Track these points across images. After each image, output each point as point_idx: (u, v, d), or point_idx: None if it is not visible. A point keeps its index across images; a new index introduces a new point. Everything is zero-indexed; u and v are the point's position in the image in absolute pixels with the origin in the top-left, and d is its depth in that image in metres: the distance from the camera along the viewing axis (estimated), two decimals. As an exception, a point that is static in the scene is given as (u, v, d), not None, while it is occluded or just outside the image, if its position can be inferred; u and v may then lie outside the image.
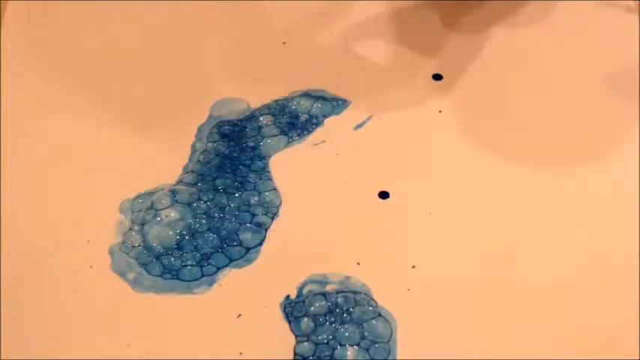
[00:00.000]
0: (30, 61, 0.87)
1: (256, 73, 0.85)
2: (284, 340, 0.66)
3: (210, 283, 0.70)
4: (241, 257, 0.71)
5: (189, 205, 0.73)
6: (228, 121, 0.81)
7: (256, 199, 0.75)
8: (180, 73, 0.85)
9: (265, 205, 0.74)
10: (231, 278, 0.70)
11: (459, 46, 0.87)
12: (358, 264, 0.71)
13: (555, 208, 0.74)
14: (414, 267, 0.71)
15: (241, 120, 0.81)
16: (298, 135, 0.80)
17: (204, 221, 0.73)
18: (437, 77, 0.84)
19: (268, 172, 0.77)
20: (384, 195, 0.75)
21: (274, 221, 0.73)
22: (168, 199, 0.74)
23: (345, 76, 0.85)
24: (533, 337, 0.66)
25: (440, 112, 0.81)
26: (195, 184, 0.75)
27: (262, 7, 0.91)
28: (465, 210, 0.74)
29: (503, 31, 0.89)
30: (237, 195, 0.75)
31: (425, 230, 0.73)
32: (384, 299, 0.68)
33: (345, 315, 0.67)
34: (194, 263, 0.71)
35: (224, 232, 0.72)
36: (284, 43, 0.88)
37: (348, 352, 0.65)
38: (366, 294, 0.68)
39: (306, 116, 0.81)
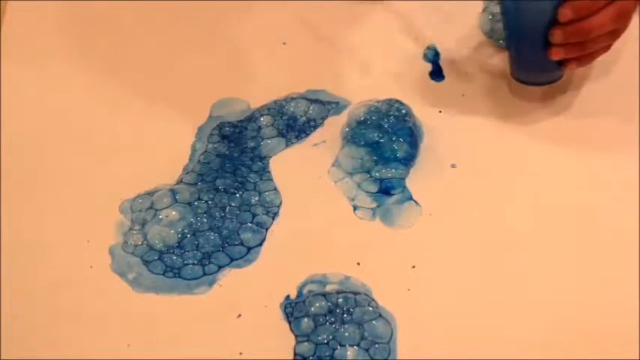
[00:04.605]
0: (30, 61, 0.87)
1: (256, 73, 0.85)
2: (284, 340, 0.66)
3: (211, 283, 0.70)
4: (242, 257, 0.71)
5: (189, 204, 0.73)
6: (229, 123, 0.81)
7: (257, 199, 0.75)
8: (181, 73, 0.85)
9: (266, 205, 0.74)
10: (231, 278, 0.70)
11: (460, 46, 0.87)
12: (358, 264, 0.71)
13: (555, 207, 0.74)
14: (414, 267, 0.71)
15: (241, 121, 0.81)
16: (296, 137, 0.80)
17: (205, 220, 0.73)
18: (437, 77, 0.84)
19: (269, 172, 0.77)
20: (384, 194, 0.75)
21: (274, 221, 0.73)
22: (169, 199, 0.74)
23: (345, 76, 0.85)
24: (533, 337, 0.66)
25: (440, 112, 0.81)
26: (196, 184, 0.75)
27: (262, 7, 0.91)
28: (465, 210, 0.74)
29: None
30: (237, 195, 0.75)
31: (425, 230, 0.73)
32: (384, 299, 0.68)
33: (345, 315, 0.67)
34: (195, 262, 0.71)
35: (225, 232, 0.72)
36: (284, 43, 0.88)
37: (348, 353, 0.65)
38: (366, 294, 0.68)
39: (304, 119, 0.81)
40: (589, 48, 0.73)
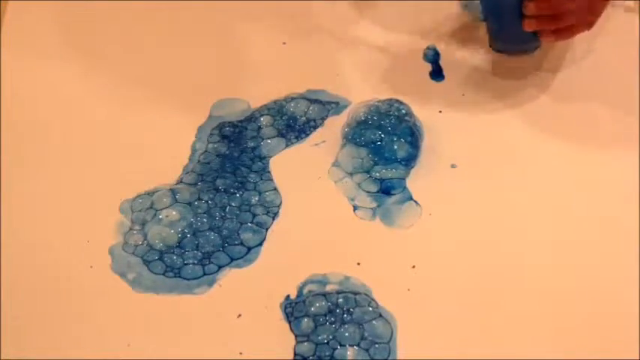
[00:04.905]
0: (30, 61, 0.87)
1: (256, 73, 0.85)
2: (284, 340, 0.66)
3: (211, 283, 0.70)
4: (242, 257, 0.71)
5: (189, 204, 0.73)
6: (229, 123, 0.81)
7: (257, 199, 0.75)
8: (181, 73, 0.85)
9: (266, 205, 0.74)
10: (231, 278, 0.70)
11: (459, 45, 0.87)
12: (358, 264, 0.71)
13: (556, 207, 0.74)
14: (414, 267, 0.71)
15: (241, 121, 0.81)
16: (296, 137, 0.80)
17: (205, 220, 0.73)
18: (437, 77, 0.84)
19: (269, 172, 0.77)
20: (384, 194, 0.75)
21: (274, 221, 0.73)
22: (169, 199, 0.74)
23: (345, 76, 0.85)
24: (532, 336, 0.66)
25: (440, 112, 0.81)
26: (196, 184, 0.75)
27: (262, 7, 0.91)
28: (464, 210, 0.74)
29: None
30: (237, 195, 0.75)
31: (425, 230, 0.73)
32: (384, 299, 0.68)
33: (345, 315, 0.67)
34: (195, 262, 0.71)
35: (225, 232, 0.72)
36: (284, 43, 0.88)
37: (348, 353, 0.65)
38: (366, 294, 0.68)
39: (304, 119, 0.81)
40: (563, 21, 0.75)
